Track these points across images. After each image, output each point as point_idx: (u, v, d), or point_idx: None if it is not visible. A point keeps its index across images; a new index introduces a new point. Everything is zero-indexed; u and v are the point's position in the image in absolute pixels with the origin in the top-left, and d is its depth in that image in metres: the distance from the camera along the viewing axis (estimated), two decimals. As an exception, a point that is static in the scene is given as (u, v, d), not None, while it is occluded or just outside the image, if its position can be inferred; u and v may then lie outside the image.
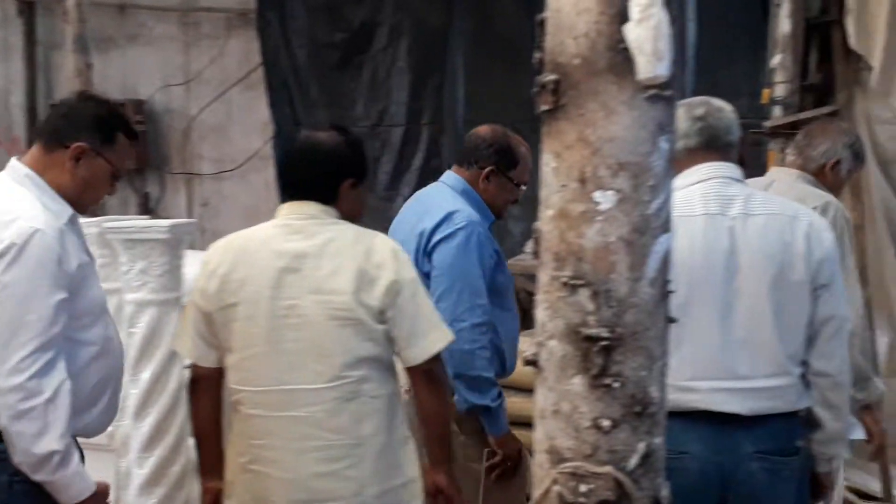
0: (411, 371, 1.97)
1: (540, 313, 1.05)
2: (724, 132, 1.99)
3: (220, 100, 6.68)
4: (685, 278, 1.80)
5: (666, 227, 1.02)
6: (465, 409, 2.37)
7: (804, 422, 1.97)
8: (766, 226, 1.89)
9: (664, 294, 1.03)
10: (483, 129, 2.57)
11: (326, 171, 1.98)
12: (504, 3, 5.98)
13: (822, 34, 4.22)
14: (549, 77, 0.99)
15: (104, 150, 1.91)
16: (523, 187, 2.57)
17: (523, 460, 2.49)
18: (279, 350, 1.92)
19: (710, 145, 1.97)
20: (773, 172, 2.94)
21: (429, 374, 1.97)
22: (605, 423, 1.00)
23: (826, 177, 2.77)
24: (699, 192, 1.92)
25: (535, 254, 1.05)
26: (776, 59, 4.14)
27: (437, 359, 1.97)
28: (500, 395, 2.40)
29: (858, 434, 2.48)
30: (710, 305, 1.86)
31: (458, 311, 2.30)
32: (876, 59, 3.96)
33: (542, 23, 0.99)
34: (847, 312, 1.99)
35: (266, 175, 6.58)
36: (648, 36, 0.88)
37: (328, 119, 6.35)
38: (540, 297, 1.05)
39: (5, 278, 1.76)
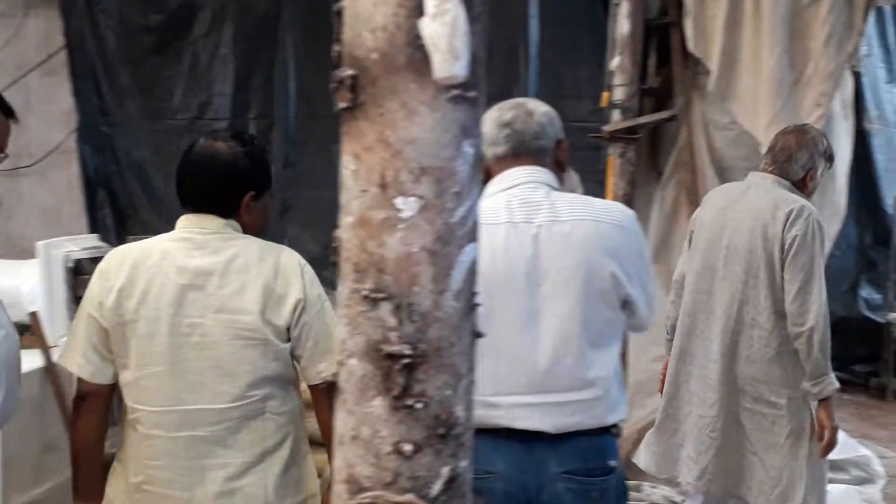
0: (315, 389, 2.05)
1: (340, 330, 1.03)
2: (533, 137, 2.03)
3: (16, 86, 6.29)
4: (487, 289, 1.84)
5: (472, 236, 1.02)
6: None
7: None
8: (571, 233, 1.93)
9: (471, 307, 1.03)
10: None
11: (225, 184, 2.03)
12: (338, -9, 5.95)
13: (662, 36, 4.44)
14: (347, 72, 0.97)
15: None
16: None
17: None
18: (181, 369, 1.98)
19: (519, 151, 2.02)
20: (751, 177, 3.22)
21: (335, 390, 2.01)
22: (407, 447, 0.99)
23: (806, 185, 3.12)
24: (504, 199, 1.96)
25: (335, 264, 1.03)
26: (615, 62, 4.31)
27: None
28: None
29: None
30: (513, 317, 1.90)
31: None
32: (713, 62, 4.20)
33: (339, 12, 0.98)
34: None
35: (69, 172, 6.27)
36: (444, 32, 0.88)
37: (140, 110, 6.11)
38: (340, 313, 1.03)
39: None
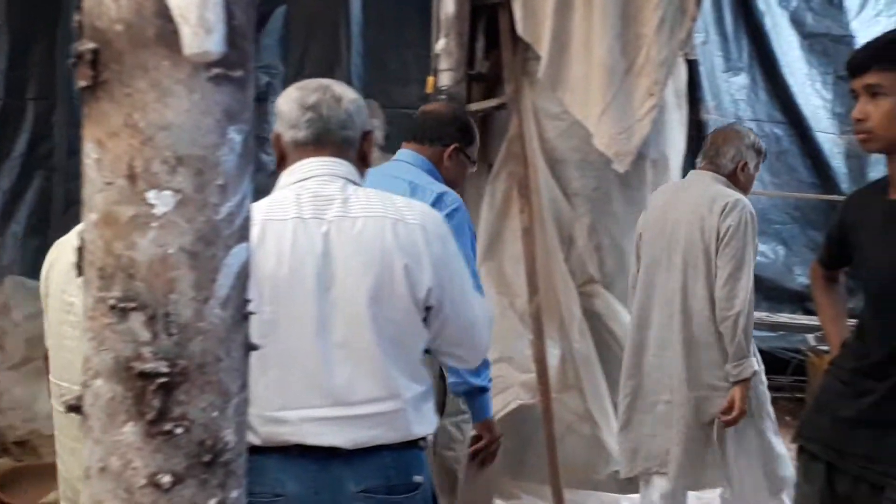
0: None
1: (84, 345, 0.97)
2: (339, 126, 2.00)
3: None
4: (272, 292, 1.83)
5: (242, 235, 0.98)
6: (463, 391, 2.82)
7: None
8: (364, 230, 1.91)
9: (242, 316, 1.00)
10: (441, 107, 3.14)
11: None
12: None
13: (490, 18, 4.49)
14: (87, 46, 0.92)
15: None
16: (475, 165, 3.14)
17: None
18: (61, 346, 2.26)
19: (322, 139, 1.98)
20: (690, 175, 3.74)
21: None
22: (166, 479, 0.95)
23: (738, 178, 3.59)
24: (294, 192, 1.93)
25: (79, 269, 0.98)
26: (440, 44, 4.32)
27: None
28: (490, 379, 2.88)
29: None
30: (303, 322, 1.87)
31: None
32: (543, 48, 4.27)
33: (78, -24, 0.92)
34: (478, 312, 2.08)
35: None
36: (193, 2, 0.85)
37: None
38: (84, 325, 0.97)
39: None
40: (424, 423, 2.00)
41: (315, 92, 1.99)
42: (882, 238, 2.27)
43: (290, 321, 1.85)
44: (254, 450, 1.85)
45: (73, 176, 6.02)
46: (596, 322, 4.56)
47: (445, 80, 4.35)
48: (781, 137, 7.23)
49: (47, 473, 2.86)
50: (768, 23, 7.13)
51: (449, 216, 2.68)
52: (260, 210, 1.89)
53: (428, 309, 1.95)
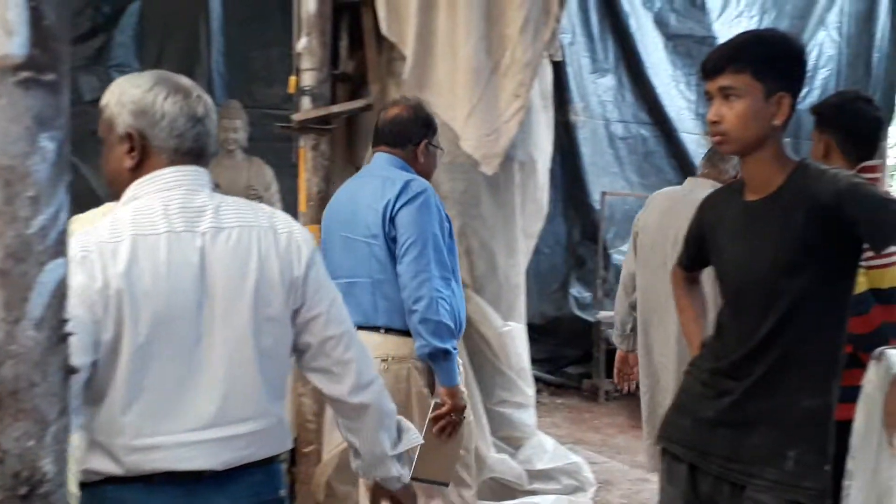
0: None
1: None
2: (213, 141, 2.00)
3: None
4: (149, 312, 1.78)
5: (58, 251, 0.94)
6: (427, 353, 2.97)
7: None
8: (238, 241, 1.89)
9: (59, 338, 0.95)
10: (401, 110, 3.23)
11: None
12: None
13: (353, 16, 4.47)
14: None
15: None
16: (443, 150, 3.38)
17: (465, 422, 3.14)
18: None
19: (203, 153, 1.96)
20: (689, 182, 3.89)
21: None
22: (-24, 515, 0.90)
23: None
24: (160, 203, 1.88)
25: None
26: (302, 43, 4.28)
27: None
28: (455, 347, 3.03)
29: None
30: (178, 343, 1.82)
31: (423, 263, 2.96)
32: (408, 48, 4.28)
33: None
34: (350, 325, 2.07)
35: None
36: (-9, 2, 0.81)
37: None
38: None
39: None
40: (288, 438, 2.01)
41: (200, 103, 1.95)
42: (739, 239, 2.34)
43: (166, 342, 1.80)
44: (113, 480, 1.80)
45: None
46: (467, 327, 4.58)
47: (308, 79, 4.31)
48: (648, 138, 7.44)
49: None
50: (633, 24, 7.33)
51: (413, 198, 3.00)
52: (125, 223, 1.83)
53: (296, 313, 1.95)
